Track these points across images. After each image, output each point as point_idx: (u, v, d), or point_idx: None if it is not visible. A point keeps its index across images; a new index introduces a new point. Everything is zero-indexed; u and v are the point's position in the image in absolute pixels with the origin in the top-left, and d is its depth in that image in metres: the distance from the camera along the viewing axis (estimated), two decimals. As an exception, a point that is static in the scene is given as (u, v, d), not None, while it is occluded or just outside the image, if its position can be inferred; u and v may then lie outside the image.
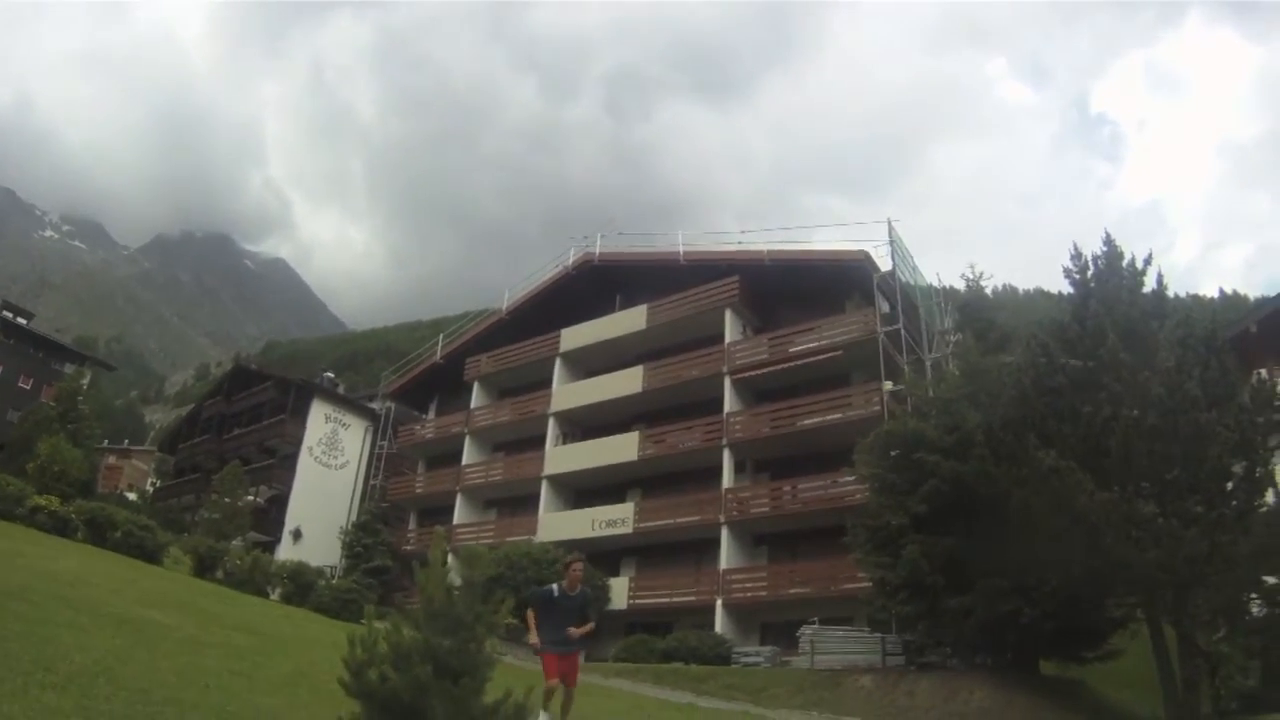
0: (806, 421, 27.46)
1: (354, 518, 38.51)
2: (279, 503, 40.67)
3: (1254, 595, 18.11)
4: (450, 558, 5.41)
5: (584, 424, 33.48)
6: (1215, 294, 72.19)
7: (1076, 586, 18.56)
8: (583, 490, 32.77)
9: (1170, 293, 22.21)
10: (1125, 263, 20.10)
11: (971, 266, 24.21)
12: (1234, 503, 17.60)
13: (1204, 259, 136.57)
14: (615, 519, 30.32)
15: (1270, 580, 17.88)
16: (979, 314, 25.56)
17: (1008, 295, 44.98)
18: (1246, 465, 17.86)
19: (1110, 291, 19.81)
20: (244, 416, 46.67)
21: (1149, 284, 20.18)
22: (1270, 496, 18.29)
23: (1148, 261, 20.04)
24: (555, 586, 8.84)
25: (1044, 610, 19.07)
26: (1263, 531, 17.46)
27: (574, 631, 8.59)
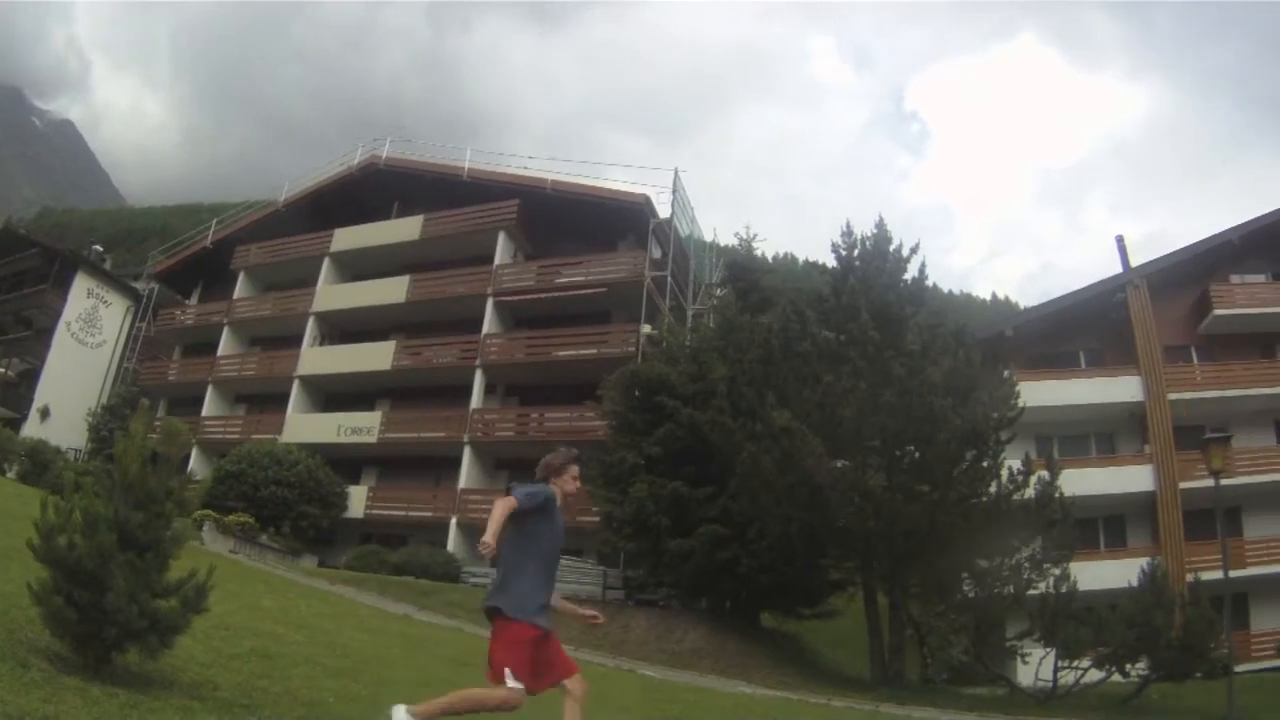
0: (562, 353, 27.46)
1: (104, 400, 36.26)
2: (30, 378, 37.40)
3: (967, 575, 19.02)
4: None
5: (344, 328, 32.25)
6: (988, 297, 77.57)
7: (795, 544, 19.10)
8: (334, 395, 31.66)
9: (947, 289, 23.80)
10: (892, 248, 20.64)
11: (746, 227, 24.84)
12: (960, 487, 18.40)
13: (984, 264, 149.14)
14: (361, 427, 29.50)
15: (983, 563, 18.86)
16: (746, 273, 26.22)
17: (787, 262, 46.70)
18: (975, 454, 18.76)
19: (871, 272, 20.35)
20: (4, 283, 42.50)
21: (911, 272, 20.73)
22: (994, 487, 19.02)
23: (913, 251, 20.70)
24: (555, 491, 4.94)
25: (761, 563, 19.62)
26: (981, 518, 18.37)
27: (583, 612, 5.42)
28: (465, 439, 27.56)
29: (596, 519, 22.26)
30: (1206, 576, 18.84)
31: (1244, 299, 29.64)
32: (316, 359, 31.63)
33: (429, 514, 27.45)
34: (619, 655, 17.54)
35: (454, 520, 26.56)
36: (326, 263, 32.65)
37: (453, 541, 26.15)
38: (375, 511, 28.12)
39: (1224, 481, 27.09)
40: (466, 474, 27.42)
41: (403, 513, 27.99)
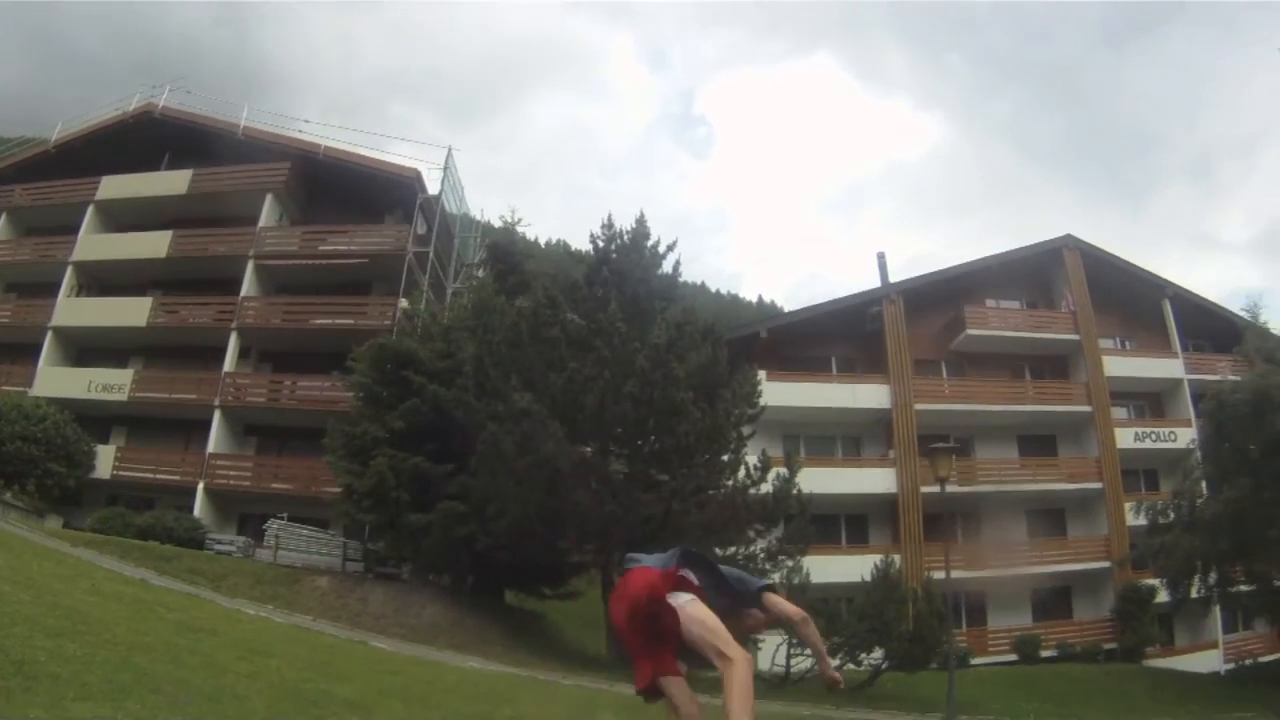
0: (320, 321, 26.78)
1: None
2: None
3: None
4: None
5: (103, 280, 30.38)
6: (755, 300, 79.84)
7: (533, 524, 18.86)
8: (87, 349, 29.84)
9: (716, 289, 24.03)
10: (650, 243, 20.87)
11: (512, 210, 24.77)
12: (698, 478, 18.82)
13: (755, 268, 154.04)
14: (113, 384, 27.92)
15: (719, 552, 19.40)
16: (508, 256, 26.06)
17: (558, 249, 46.70)
18: (715, 447, 19.19)
19: (627, 264, 20.53)
20: None
21: (667, 268, 21.18)
22: (740, 476, 19.67)
23: (670, 248, 21.08)
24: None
25: (499, 541, 19.38)
26: (717, 509, 18.79)
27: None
28: (216, 402, 26.51)
29: (339, 491, 21.75)
30: (952, 575, 19.47)
31: (997, 322, 31.20)
32: (72, 310, 29.79)
33: (177, 477, 26.25)
34: (356, 628, 17.24)
35: (201, 485, 25.58)
36: (91, 210, 30.71)
37: (200, 506, 25.18)
38: (123, 473, 26.70)
39: (966, 488, 28.82)
40: (216, 438, 26.38)
41: (151, 475, 26.68)
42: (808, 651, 18.64)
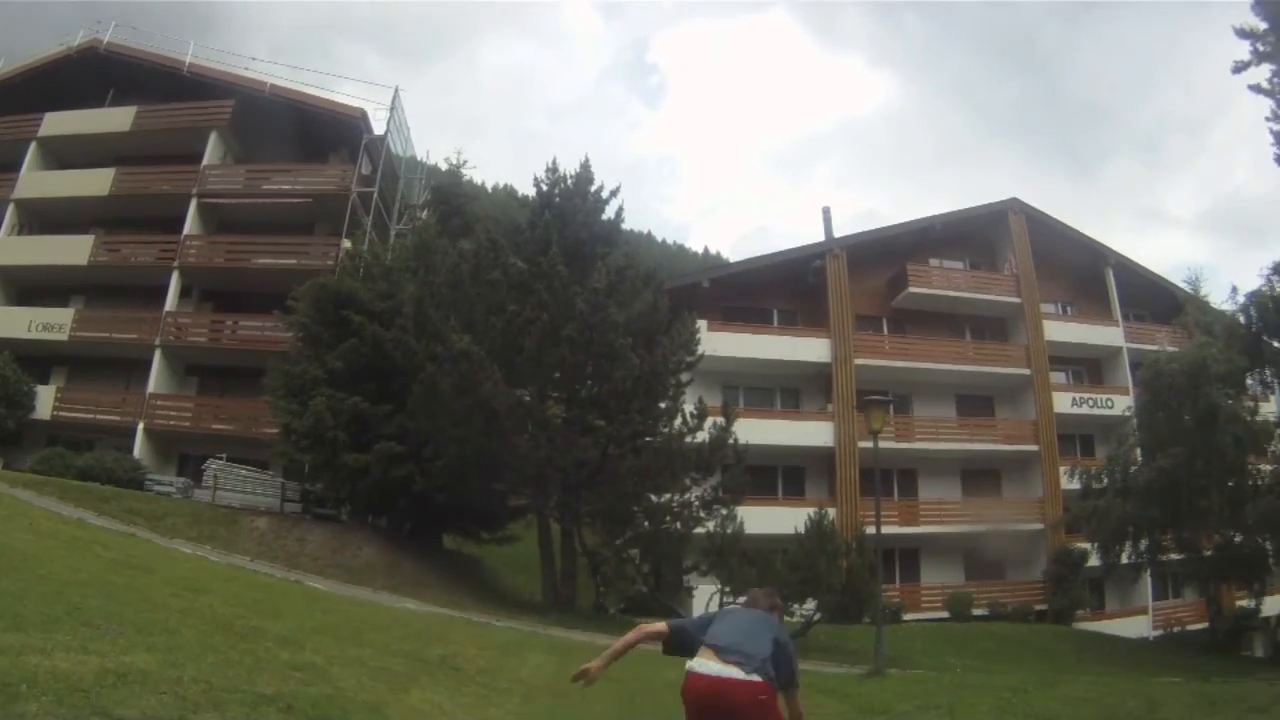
0: (262, 260, 26.53)
1: None
2: None
3: (639, 509, 19.50)
4: None
5: (45, 218, 29.81)
6: (701, 250, 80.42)
7: (470, 466, 19.13)
8: (28, 288, 29.34)
9: (662, 239, 24.12)
10: (593, 188, 20.88)
11: (458, 152, 24.64)
12: (634, 424, 18.86)
13: (703, 219, 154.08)
14: (53, 324, 27.56)
15: (655, 499, 19.45)
16: (452, 198, 26.07)
17: (505, 194, 46.61)
18: (652, 394, 19.24)
19: (569, 208, 20.54)
20: None
21: (610, 214, 21.13)
22: (676, 424, 19.72)
23: (613, 194, 21.09)
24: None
25: (436, 483, 19.63)
26: (653, 455, 18.87)
27: None
28: (157, 342, 26.28)
29: (278, 431, 21.80)
30: (885, 530, 19.52)
31: (940, 281, 31.50)
32: (13, 249, 29.29)
33: (117, 418, 26.12)
34: (293, 568, 17.37)
35: (141, 426, 25.43)
36: (33, 148, 30.10)
37: (140, 447, 25.05)
38: (63, 414, 26.45)
39: (903, 445, 29.14)
40: (156, 378, 26.23)
41: (91, 416, 26.46)
42: (739, 601, 18.88)
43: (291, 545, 19.49)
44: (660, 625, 4.33)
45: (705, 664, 3.82)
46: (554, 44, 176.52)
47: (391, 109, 26.75)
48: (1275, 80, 18.49)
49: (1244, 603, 26.07)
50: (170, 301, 26.85)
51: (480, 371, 17.94)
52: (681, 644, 4.15)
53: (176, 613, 7.61)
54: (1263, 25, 18.31)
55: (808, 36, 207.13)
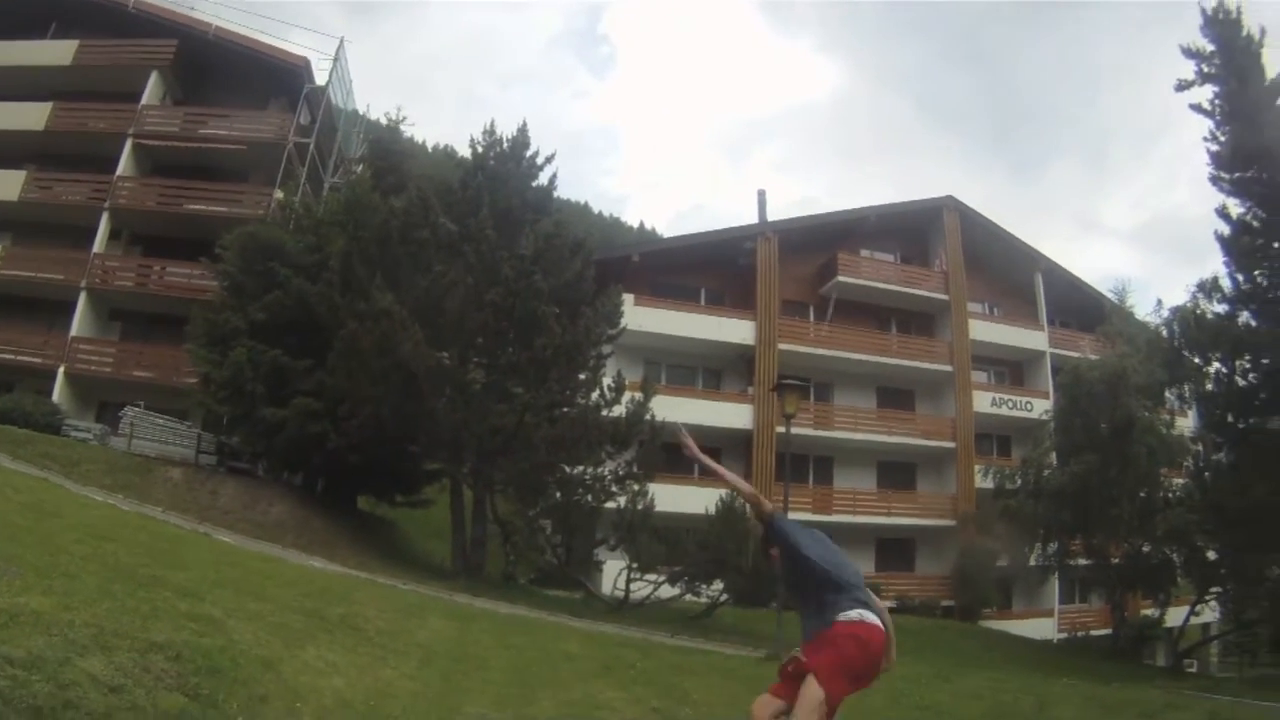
0: (194, 206, 26.30)
1: None
2: None
3: (552, 480, 19.58)
4: None
5: (-21, 151, 29.68)
6: (637, 225, 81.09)
7: (384, 426, 19.11)
8: (-46, 223, 29.18)
9: (599, 210, 24.24)
10: (529, 153, 20.91)
11: (398, 108, 24.67)
12: (552, 393, 18.99)
13: (641, 194, 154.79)
14: (-21, 259, 27.44)
15: (568, 470, 19.54)
16: (389, 154, 26.00)
17: (443, 154, 46.57)
18: (572, 364, 19.38)
19: (503, 172, 20.56)
20: None
21: (544, 180, 21.18)
22: (594, 396, 19.98)
23: (548, 160, 21.13)
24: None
25: (351, 441, 19.51)
26: (569, 425, 19.01)
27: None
28: (83, 284, 25.84)
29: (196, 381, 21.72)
30: (797, 517, 20.00)
31: (869, 272, 32.04)
32: (-62, 187, 28.96)
33: (38, 360, 25.68)
34: (204, 520, 17.14)
35: (62, 369, 25.14)
36: (-31, 77, 29.86)
37: (60, 391, 24.75)
38: (-16, 354, 26.24)
39: (821, 433, 29.63)
40: (79, 321, 25.84)
41: (11, 356, 25.95)
42: (648, 578, 19.11)
43: (204, 497, 19.33)
44: (769, 504, 4.18)
45: (878, 618, 3.98)
46: (502, 10, 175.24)
47: (335, 59, 26.65)
48: (1217, 103, 19.18)
49: (1149, 612, 26.48)
50: (99, 243, 26.42)
51: (401, 331, 17.92)
52: (779, 539, 4.06)
53: (79, 558, 7.61)
54: (1210, 47, 19.00)
55: (760, 15, 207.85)
